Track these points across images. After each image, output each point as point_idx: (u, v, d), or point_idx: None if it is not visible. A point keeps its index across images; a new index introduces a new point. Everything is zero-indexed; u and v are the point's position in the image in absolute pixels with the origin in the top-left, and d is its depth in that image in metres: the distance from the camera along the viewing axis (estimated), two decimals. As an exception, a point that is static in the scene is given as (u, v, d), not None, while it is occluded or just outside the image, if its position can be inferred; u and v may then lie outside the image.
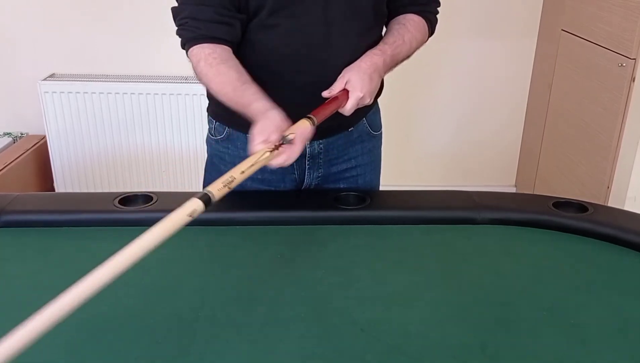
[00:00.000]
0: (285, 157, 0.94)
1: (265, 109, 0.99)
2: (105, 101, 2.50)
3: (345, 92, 1.09)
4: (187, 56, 1.12)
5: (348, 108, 1.09)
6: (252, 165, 0.90)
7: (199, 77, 1.11)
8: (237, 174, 0.87)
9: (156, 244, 0.73)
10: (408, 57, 1.23)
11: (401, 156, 2.83)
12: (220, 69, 1.07)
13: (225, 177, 0.86)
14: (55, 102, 2.49)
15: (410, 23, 1.21)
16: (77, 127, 2.54)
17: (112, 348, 0.80)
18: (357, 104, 1.10)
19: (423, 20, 1.23)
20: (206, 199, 0.82)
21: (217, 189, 0.84)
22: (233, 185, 0.86)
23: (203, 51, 1.08)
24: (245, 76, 1.07)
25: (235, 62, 1.09)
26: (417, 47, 1.23)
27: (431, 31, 1.27)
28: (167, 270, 1.00)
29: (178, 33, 1.12)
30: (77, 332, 0.84)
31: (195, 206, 0.80)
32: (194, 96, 2.50)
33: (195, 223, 1.13)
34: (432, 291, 0.95)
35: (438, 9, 1.28)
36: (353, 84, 1.08)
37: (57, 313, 0.64)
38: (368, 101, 1.11)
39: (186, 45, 1.11)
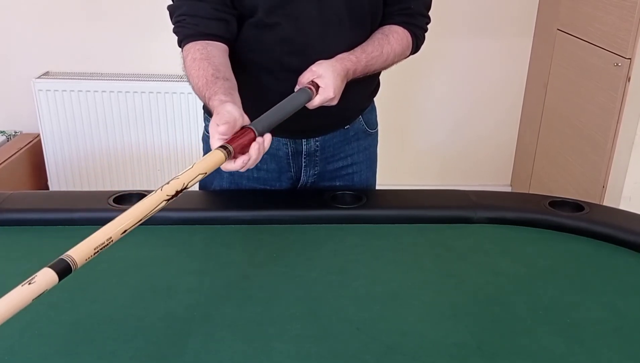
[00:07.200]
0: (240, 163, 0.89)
1: (219, 103, 0.92)
2: (100, 99, 2.49)
3: None
4: (182, 53, 1.11)
5: (313, 105, 1.05)
6: (140, 221, 0.72)
7: (185, 72, 1.09)
8: (118, 234, 0.68)
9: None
10: (383, 68, 1.21)
11: (397, 154, 2.83)
12: (202, 64, 1.04)
13: (99, 238, 0.67)
14: (50, 100, 2.48)
15: (393, 35, 1.19)
16: (71, 126, 2.52)
17: (107, 348, 0.80)
18: (323, 103, 1.07)
19: (408, 34, 1.20)
20: (63, 268, 0.62)
21: (85, 256, 0.65)
22: (107, 246, 0.68)
23: (194, 46, 1.07)
24: (222, 73, 1.02)
25: (220, 59, 1.06)
26: (395, 61, 1.21)
27: (415, 47, 1.23)
28: (162, 269, 0.99)
29: (175, 31, 1.11)
30: (72, 331, 0.83)
31: (44, 283, 0.59)
32: (190, 95, 2.49)
33: (191, 221, 1.14)
34: (428, 290, 0.95)
35: (428, 25, 1.25)
36: (327, 82, 1.05)
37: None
38: (334, 103, 1.08)
39: (183, 42, 1.10)
